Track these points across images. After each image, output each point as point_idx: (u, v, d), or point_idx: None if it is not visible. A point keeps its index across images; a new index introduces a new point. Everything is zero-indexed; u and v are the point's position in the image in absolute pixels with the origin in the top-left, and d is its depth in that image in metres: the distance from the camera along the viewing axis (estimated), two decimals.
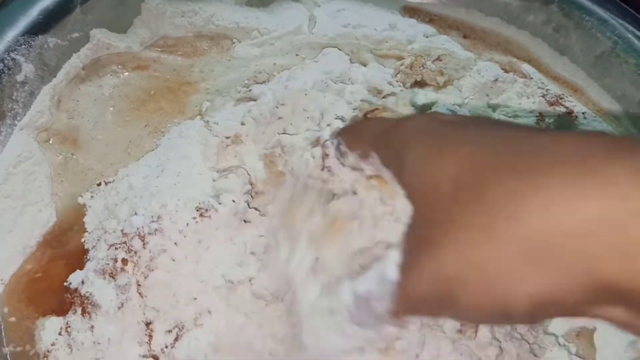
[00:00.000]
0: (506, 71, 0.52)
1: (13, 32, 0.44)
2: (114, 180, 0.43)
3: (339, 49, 0.50)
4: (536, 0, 0.54)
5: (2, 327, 0.38)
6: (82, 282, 0.38)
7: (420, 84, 0.50)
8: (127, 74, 0.50)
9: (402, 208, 0.33)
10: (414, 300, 0.26)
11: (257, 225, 0.39)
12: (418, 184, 0.27)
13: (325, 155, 0.36)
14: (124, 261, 0.37)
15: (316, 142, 0.38)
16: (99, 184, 0.43)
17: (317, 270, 0.34)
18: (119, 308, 0.37)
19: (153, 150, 0.45)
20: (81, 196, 0.43)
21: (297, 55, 0.52)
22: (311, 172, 0.37)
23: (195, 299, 0.36)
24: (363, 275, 0.30)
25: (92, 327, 0.37)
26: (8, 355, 0.38)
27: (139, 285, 0.37)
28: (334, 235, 0.35)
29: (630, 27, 0.51)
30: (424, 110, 0.45)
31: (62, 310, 0.38)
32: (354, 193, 0.35)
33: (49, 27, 0.45)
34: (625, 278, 0.20)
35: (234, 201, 0.38)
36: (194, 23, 0.52)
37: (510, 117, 0.49)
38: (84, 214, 0.42)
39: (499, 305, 0.23)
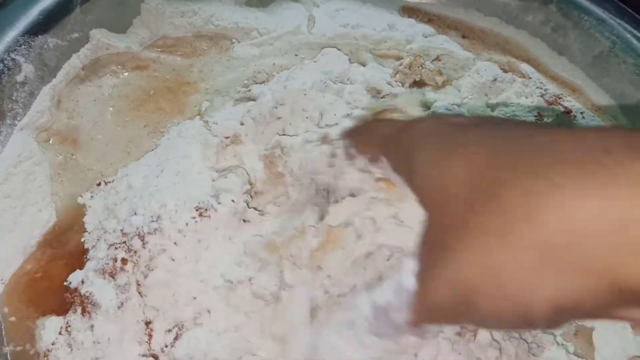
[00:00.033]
0: (505, 71, 0.52)
1: (13, 33, 0.44)
2: (113, 180, 0.43)
3: (338, 49, 0.50)
4: (535, 0, 0.54)
5: (2, 327, 0.39)
6: (82, 282, 0.38)
7: (419, 83, 0.50)
8: (126, 74, 0.50)
9: (409, 212, 0.33)
10: (433, 308, 0.26)
11: (256, 224, 0.39)
12: (429, 189, 0.27)
13: (333, 155, 0.36)
14: (124, 261, 0.37)
15: (324, 139, 0.38)
16: (99, 184, 0.44)
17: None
18: (119, 307, 0.37)
19: (152, 150, 0.45)
20: (81, 196, 0.43)
21: (296, 55, 0.52)
22: (318, 168, 0.37)
23: (194, 298, 0.37)
24: (380, 285, 0.30)
25: (92, 326, 0.37)
26: (8, 355, 0.38)
27: (139, 284, 0.37)
28: (332, 246, 0.35)
29: (629, 27, 0.51)
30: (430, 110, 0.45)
31: (62, 309, 0.38)
32: (352, 195, 0.35)
33: (48, 27, 0.46)
34: None
35: (233, 201, 0.38)
36: (193, 23, 0.52)
37: (509, 116, 0.49)
38: (84, 214, 0.42)
39: (519, 312, 0.22)
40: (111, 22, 0.50)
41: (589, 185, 0.20)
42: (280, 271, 0.36)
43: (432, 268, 0.25)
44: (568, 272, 0.21)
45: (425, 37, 0.54)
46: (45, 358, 0.37)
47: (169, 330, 0.37)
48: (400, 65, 0.50)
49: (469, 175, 0.24)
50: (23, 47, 0.44)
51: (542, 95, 0.52)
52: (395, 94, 0.46)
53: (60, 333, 0.37)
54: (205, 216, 0.38)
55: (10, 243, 0.41)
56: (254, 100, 0.45)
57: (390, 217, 0.34)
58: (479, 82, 0.51)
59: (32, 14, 0.45)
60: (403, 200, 0.33)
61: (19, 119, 0.44)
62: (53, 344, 0.37)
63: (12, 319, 0.39)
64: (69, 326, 0.37)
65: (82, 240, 0.41)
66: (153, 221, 0.38)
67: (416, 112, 0.38)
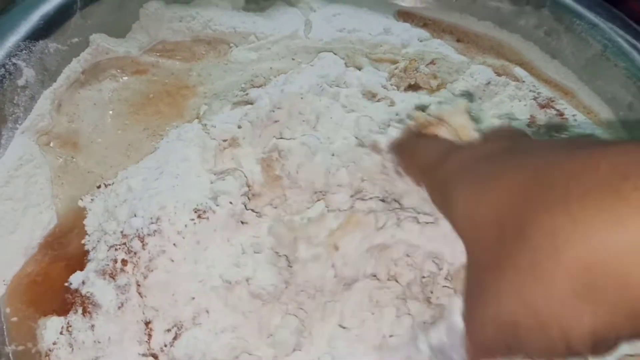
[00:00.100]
0: (498, 74, 0.53)
1: (14, 38, 0.44)
2: (113, 183, 0.43)
3: (335, 53, 0.50)
4: (528, 5, 0.55)
5: (4, 327, 0.39)
6: (83, 283, 0.38)
7: (414, 87, 0.50)
8: (126, 78, 0.50)
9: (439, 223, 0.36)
10: (484, 348, 0.27)
11: (254, 226, 0.39)
12: (465, 228, 0.28)
13: (384, 167, 0.38)
14: (124, 262, 0.38)
15: (374, 147, 0.39)
16: (99, 187, 0.44)
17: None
18: (119, 308, 0.37)
19: (152, 153, 0.45)
20: (81, 199, 0.43)
21: (293, 59, 0.53)
22: (372, 175, 0.39)
23: (193, 298, 0.37)
24: (434, 326, 0.31)
25: (92, 326, 0.37)
26: (10, 354, 0.38)
27: (139, 285, 0.37)
28: (352, 227, 0.37)
29: (620, 31, 0.51)
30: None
31: (63, 310, 0.39)
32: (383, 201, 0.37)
33: (49, 32, 0.46)
34: None
35: (231, 203, 0.39)
36: (191, 28, 0.53)
37: (502, 120, 0.49)
38: (84, 217, 0.43)
39: (562, 345, 0.23)
40: (111, 27, 0.50)
41: (605, 217, 0.21)
42: (294, 250, 0.38)
43: (475, 308, 0.26)
44: (601, 301, 0.21)
45: (421, 41, 0.55)
46: (47, 357, 0.37)
47: (168, 330, 0.37)
48: (395, 69, 0.51)
49: (497, 214, 0.25)
50: (24, 51, 0.45)
51: (535, 99, 0.52)
52: (440, 102, 0.45)
53: (61, 333, 0.38)
54: (203, 218, 0.38)
55: (12, 245, 0.41)
56: (252, 103, 0.45)
57: (414, 220, 0.37)
58: (473, 85, 0.51)
59: (33, 19, 0.45)
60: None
61: (20, 122, 0.45)
62: (54, 343, 0.38)
63: (14, 319, 0.39)
64: (70, 326, 0.38)
65: (83, 242, 0.42)
66: (152, 223, 0.38)
67: (462, 120, 0.37)
